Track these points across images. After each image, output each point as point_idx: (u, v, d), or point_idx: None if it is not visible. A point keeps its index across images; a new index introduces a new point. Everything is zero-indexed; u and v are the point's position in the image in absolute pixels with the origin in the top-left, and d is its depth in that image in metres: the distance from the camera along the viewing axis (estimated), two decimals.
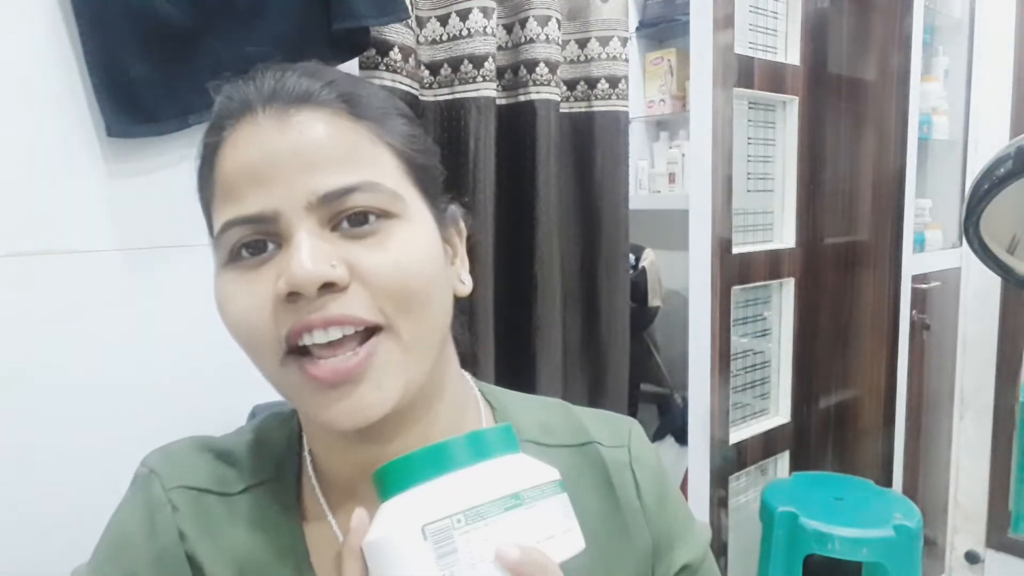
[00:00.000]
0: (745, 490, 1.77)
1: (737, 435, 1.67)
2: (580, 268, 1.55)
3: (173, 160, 0.87)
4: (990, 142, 1.93)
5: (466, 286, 0.53)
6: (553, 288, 1.38)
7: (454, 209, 0.54)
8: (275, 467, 0.53)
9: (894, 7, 1.73)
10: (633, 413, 2.20)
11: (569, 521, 0.39)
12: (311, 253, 0.41)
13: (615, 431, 0.59)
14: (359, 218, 0.44)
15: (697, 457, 1.55)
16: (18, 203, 0.76)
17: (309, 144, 0.43)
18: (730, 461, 1.64)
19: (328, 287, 0.42)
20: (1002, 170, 1.12)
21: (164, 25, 0.82)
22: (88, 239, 0.81)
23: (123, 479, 0.66)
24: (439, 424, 0.51)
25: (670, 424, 2.26)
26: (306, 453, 0.54)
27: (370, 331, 0.44)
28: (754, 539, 1.63)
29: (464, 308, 0.67)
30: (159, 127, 0.84)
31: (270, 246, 0.44)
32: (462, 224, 0.54)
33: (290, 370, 0.44)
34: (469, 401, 0.56)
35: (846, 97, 1.79)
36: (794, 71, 1.67)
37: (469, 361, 0.63)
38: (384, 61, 1.11)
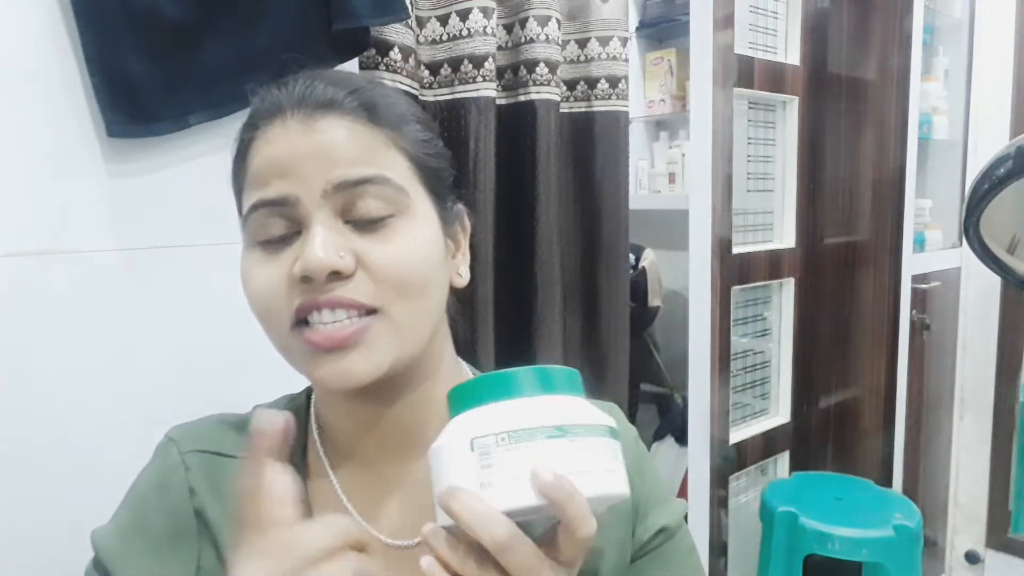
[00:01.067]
0: (745, 490, 1.77)
1: (737, 435, 1.67)
2: (580, 268, 1.55)
3: (173, 160, 0.87)
4: (990, 142, 1.93)
5: (463, 279, 0.59)
6: (553, 288, 1.38)
7: (460, 208, 0.59)
8: None
9: (894, 7, 1.73)
10: (633, 413, 2.20)
11: (612, 463, 0.41)
12: (324, 243, 0.47)
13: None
14: (369, 212, 0.50)
15: (697, 457, 1.55)
16: (18, 203, 0.76)
17: (329, 143, 0.49)
18: (730, 461, 1.64)
19: (336, 274, 0.48)
20: (1002, 170, 1.12)
21: (164, 25, 0.82)
22: (88, 239, 0.81)
23: (124, 477, 0.67)
24: (430, 396, 0.57)
25: (670, 424, 2.26)
26: (312, 419, 0.60)
27: (368, 313, 0.49)
28: (754, 539, 1.64)
29: (465, 308, 0.68)
30: (159, 127, 0.84)
31: (290, 231, 0.50)
32: (467, 221, 0.60)
33: (295, 337, 0.50)
34: (461, 379, 0.61)
35: (846, 97, 1.79)
36: (794, 71, 1.67)
37: (470, 360, 0.65)
38: (384, 61, 1.11)
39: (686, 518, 0.65)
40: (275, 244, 0.51)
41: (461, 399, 0.43)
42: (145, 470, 0.60)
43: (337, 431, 0.58)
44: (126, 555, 0.55)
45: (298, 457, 0.58)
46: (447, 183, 0.57)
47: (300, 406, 0.61)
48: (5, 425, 0.76)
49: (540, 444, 0.39)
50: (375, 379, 0.50)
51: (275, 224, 0.50)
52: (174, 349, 0.87)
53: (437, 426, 0.56)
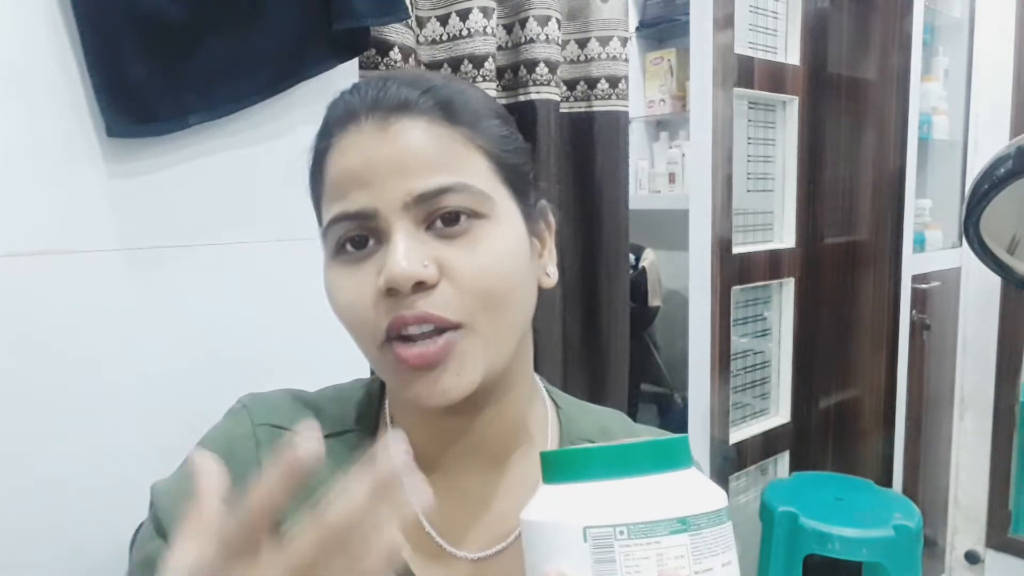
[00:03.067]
0: (745, 490, 1.77)
1: (737, 435, 1.67)
2: (580, 268, 1.55)
3: (173, 160, 0.87)
4: (990, 142, 1.93)
5: (551, 278, 0.58)
6: (553, 288, 1.37)
7: (544, 204, 0.58)
8: (355, 420, 0.58)
9: (894, 7, 1.73)
10: (633, 413, 2.20)
11: (729, 554, 0.39)
12: (406, 254, 0.46)
13: None
14: (451, 217, 0.48)
15: (697, 457, 1.54)
16: (18, 203, 0.76)
17: (406, 150, 0.48)
18: (730, 461, 1.64)
19: (420, 284, 0.47)
20: (1002, 170, 1.12)
21: (164, 25, 0.82)
22: (88, 239, 0.81)
23: (124, 478, 0.67)
24: (511, 410, 0.56)
25: (670, 424, 2.26)
26: (387, 414, 0.59)
27: (454, 328, 0.48)
28: (754, 539, 1.63)
29: None
30: (159, 127, 0.84)
31: (371, 242, 0.49)
32: (551, 218, 0.59)
33: (386, 353, 0.49)
34: (537, 395, 0.61)
35: (846, 97, 1.79)
36: (794, 71, 1.67)
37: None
38: (384, 61, 1.11)
39: None
40: (358, 256, 0.49)
41: (563, 467, 0.40)
42: (214, 430, 0.59)
43: (414, 438, 0.56)
44: (184, 513, 0.53)
45: (368, 449, 0.57)
46: (528, 179, 0.56)
47: (373, 395, 0.60)
48: (5, 425, 0.75)
49: (662, 541, 0.36)
50: (467, 394, 0.49)
51: (356, 236, 0.49)
52: (174, 349, 0.87)
53: (515, 439, 0.57)
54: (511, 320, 0.51)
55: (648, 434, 0.65)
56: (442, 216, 0.48)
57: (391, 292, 0.47)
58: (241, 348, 0.91)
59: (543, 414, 0.61)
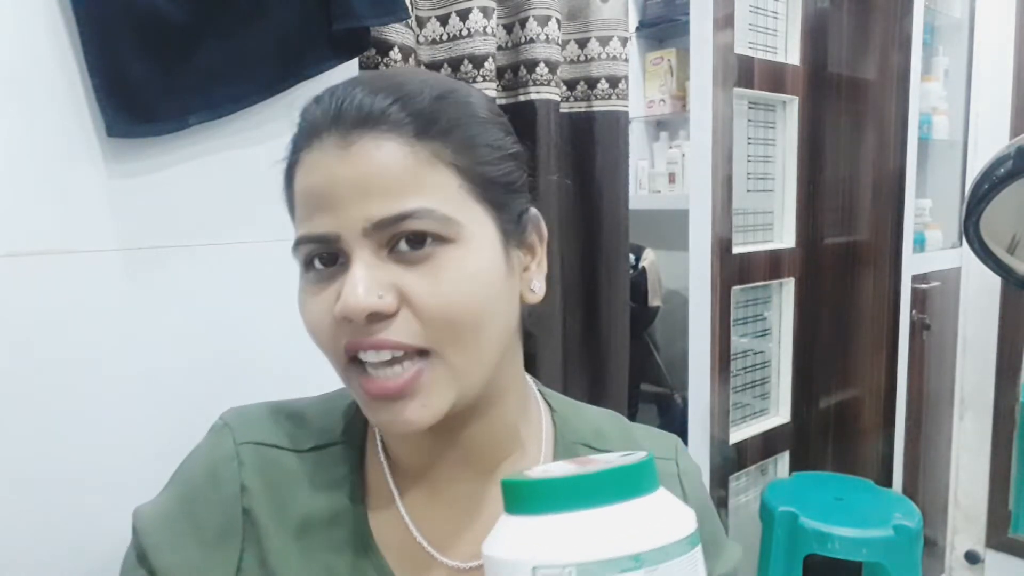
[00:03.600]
0: (745, 490, 1.77)
1: (737, 435, 1.67)
2: (580, 268, 1.55)
3: (173, 160, 0.87)
4: (990, 142, 1.93)
5: (536, 293, 0.54)
6: (553, 288, 1.38)
7: (536, 213, 0.55)
8: (341, 432, 0.57)
9: (894, 7, 1.73)
10: (633, 413, 2.20)
11: None
12: (363, 283, 0.45)
13: (663, 445, 0.63)
14: (416, 239, 0.46)
15: (697, 457, 1.55)
16: (18, 203, 0.76)
17: (366, 172, 0.46)
18: (730, 461, 1.64)
19: (375, 315, 0.45)
20: (1002, 170, 1.12)
21: (164, 25, 0.82)
22: (88, 239, 0.81)
23: (123, 478, 0.67)
24: (500, 420, 0.55)
25: (670, 424, 2.26)
26: (377, 435, 0.58)
27: (421, 354, 0.47)
28: (754, 539, 1.63)
29: None
30: (159, 127, 0.84)
31: (339, 259, 0.48)
32: (543, 227, 0.56)
33: (351, 377, 0.49)
34: (530, 400, 0.60)
35: (846, 97, 1.79)
36: (794, 71, 1.67)
37: None
38: (384, 61, 1.11)
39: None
40: (325, 274, 0.48)
41: (519, 499, 0.38)
42: (196, 452, 0.58)
43: (400, 453, 0.56)
44: (168, 541, 0.53)
45: (356, 462, 0.56)
46: (514, 188, 0.52)
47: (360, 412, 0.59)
48: (5, 425, 0.75)
49: None
50: (435, 423, 0.48)
51: (321, 256, 0.48)
52: (175, 349, 0.87)
53: (506, 448, 0.56)
54: (481, 347, 0.49)
55: (644, 434, 0.64)
56: (407, 238, 0.46)
57: (345, 321, 0.46)
58: (241, 348, 0.91)
59: (537, 419, 0.60)
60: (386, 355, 0.46)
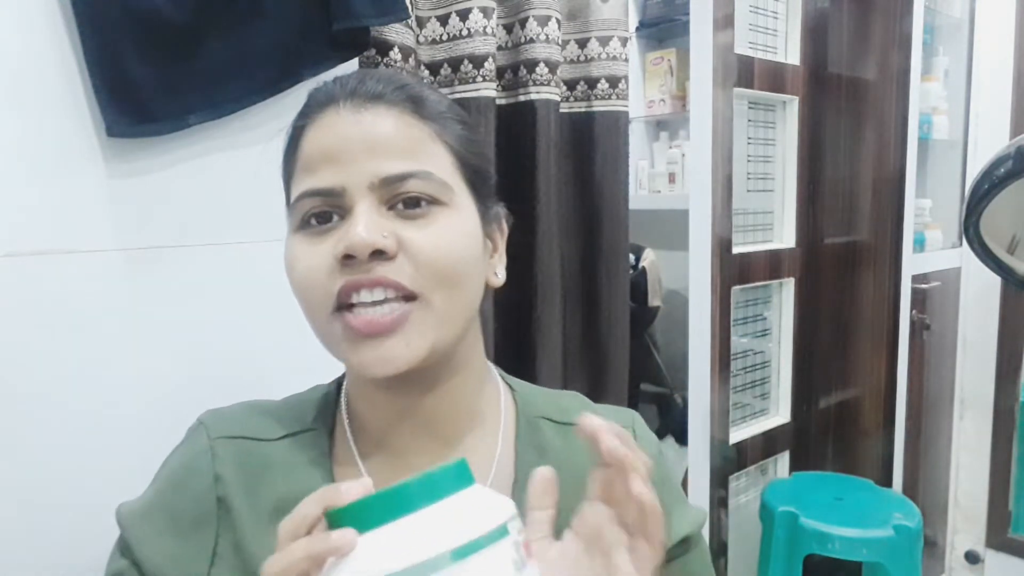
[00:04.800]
0: (745, 490, 1.77)
1: (737, 435, 1.67)
2: (580, 268, 1.55)
3: (173, 160, 0.87)
4: (990, 142, 1.93)
5: (499, 279, 0.60)
6: (553, 288, 1.38)
7: (499, 210, 0.61)
8: (312, 419, 0.61)
9: (894, 7, 1.73)
10: None
11: (516, 569, 0.38)
12: (367, 224, 0.49)
13: (620, 419, 0.66)
14: (412, 202, 0.52)
15: (697, 457, 1.55)
16: (18, 203, 0.76)
17: (377, 134, 0.52)
18: (730, 461, 1.64)
19: (378, 254, 0.49)
20: (1002, 170, 1.12)
21: (164, 25, 0.82)
22: (88, 239, 0.81)
23: (123, 478, 0.66)
24: (460, 389, 0.59)
25: (670, 424, 2.26)
26: (343, 408, 0.61)
27: (408, 299, 0.51)
28: (754, 539, 1.63)
29: None
30: (159, 127, 0.84)
31: (335, 218, 0.52)
32: (504, 224, 0.62)
33: (335, 322, 0.51)
34: (489, 379, 0.64)
35: (846, 97, 1.79)
36: (794, 71, 1.67)
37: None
38: (384, 61, 1.11)
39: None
40: (320, 230, 0.52)
41: (352, 519, 0.39)
42: (175, 452, 0.61)
43: (368, 421, 0.59)
44: (147, 533, 0.56)
45: (326, 446, 0.59)
46: (489, 184, 0.59)
47: (330, 395, 0.63)
48: (4, 425, 0.75)
49: None
50: (413, 366, 0.51)
51: (321, 210, 0.52)
52: (174, 349, 0.87)
53: (466, 420, 0.59)
54: (462, 299, 0.54)
55: (603, 410, 0.67)
56: (404, 200, 0.51)
57: (348, 259, 0.49)
58: (241, 348, 0.91)
59: (495, 397, 0.63)
60: (380, 294, 0.50)
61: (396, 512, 0.38)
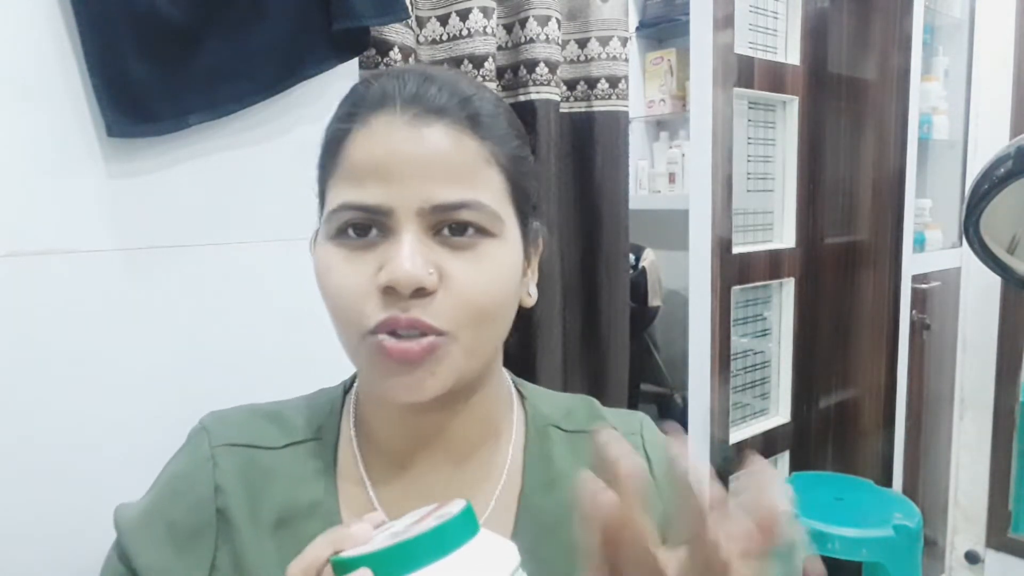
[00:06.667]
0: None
1: (737, 435, 1.67)
2: (580, 268, 1.55)
3: (173, 160, 0.87)
4: (990, 142, 1.93)
5: (532, 298, 0.58)
6: (553, 288, 1.38)
7: (538, 226, 0.59)
8: (317, 428, 0.59)
9: (894, 7, 1.73)
10: None
11: None
12: (413, 257, 0.47)
13: (629, 422, 0.66)
14: (460, 228, 0.49)
15: (697, 457, 1.55)
16: (18, 203, 0.76)
17: (434, 155, 0.48)
18: (730, 461, 1.64)
19: (420, 290, 0.47)
20: (1002, 170, 1.12)
21: (164, 25, 0.82)
22: (88, 239, 0.81)
23: (122, 478, 0.66)
24: (481, 408, 0.58)
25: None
26: (350, 417, 0.59)
27: (439, 333, 0.49)
28: None
29: None
30: (159, 127, 0.84)
31: (373, 231, 0.49)
32: (540, 241, 0.60)
33: (367, 343, 0.49)
34: (503, 390, 0.62)
35: (846, 97, 1.79)
36: (794, 71, 1.67)
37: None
38: (384, 61, 1.11)
39: None
40: (359, 244, 0.49)
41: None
42: (176, 456, 0.60)
43: (379, 435, 0.58)
44: (145, 540, 0.55)
45: (330, 458, 0.58)
46: (531, 201, 0.56)
47: (335, 401, 0.61)
48: (4, 424, 0.75)
49: None
50: (439, 395, 0.50)
51: (356, 226, 0.49)
52: (174, 349, 0.87)
53: (481, 436, 0.59)
54: (492, 335, 0.53)
55: (612, 414, 0.66)
56: (450, 226, 0.49)
57: (389, 291, 0.47)
58: (241, 348, 0.91)
59: (509, 407, 0.63)
60: (414, 333, 0.48)
61: (404, 568, 0.37)
